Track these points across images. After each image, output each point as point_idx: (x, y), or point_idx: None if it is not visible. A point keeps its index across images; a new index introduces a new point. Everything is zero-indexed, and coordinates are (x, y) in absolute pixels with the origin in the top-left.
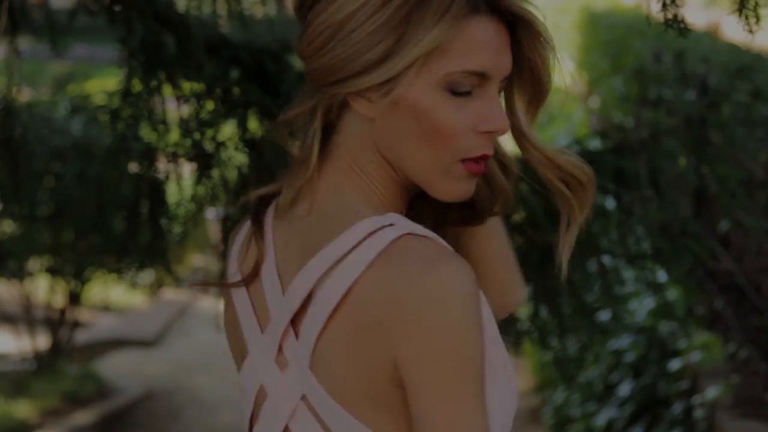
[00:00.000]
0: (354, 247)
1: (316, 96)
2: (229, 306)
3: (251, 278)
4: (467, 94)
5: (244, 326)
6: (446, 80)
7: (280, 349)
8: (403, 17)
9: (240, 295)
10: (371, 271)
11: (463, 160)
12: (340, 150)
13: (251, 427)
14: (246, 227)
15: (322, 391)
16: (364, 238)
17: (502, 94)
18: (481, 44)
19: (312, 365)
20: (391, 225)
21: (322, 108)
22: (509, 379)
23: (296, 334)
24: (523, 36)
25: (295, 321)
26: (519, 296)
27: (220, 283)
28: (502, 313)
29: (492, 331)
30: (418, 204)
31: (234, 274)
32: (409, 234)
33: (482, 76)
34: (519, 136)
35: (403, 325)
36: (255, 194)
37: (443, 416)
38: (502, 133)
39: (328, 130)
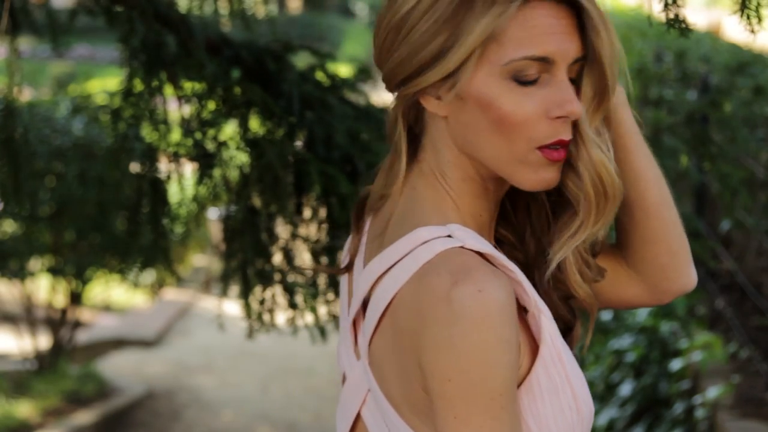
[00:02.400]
0: (406, 255)
1: (395, 101)
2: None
3: (347, 269)
4: (534, 82)
5: (341, 311)
6: (508, 69)
7: (355, 339)
8: (454, 10)
9: (342, 282)
10: (411, 281)
11: (540, 148)
12: (425, 152)
13: None
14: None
15: (377, 388)
16: (416, 247)
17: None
18: (540, 29)
19: (370, 363)
20: (447, 236)
21: (400, 112)
22: (574, 396)
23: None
24: (586, 22)
25: (358, 318)
26: (690, 277)
27: (328, 269)
28: (665, 296)
29: (549, 348)
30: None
31: (342, 261)
32: (461, 247)
33: (546, 61)
34: (574, 127)
35: (426, 337)
36: (365, 190)
37: None
38: (576, 116)
39: (415, 134)
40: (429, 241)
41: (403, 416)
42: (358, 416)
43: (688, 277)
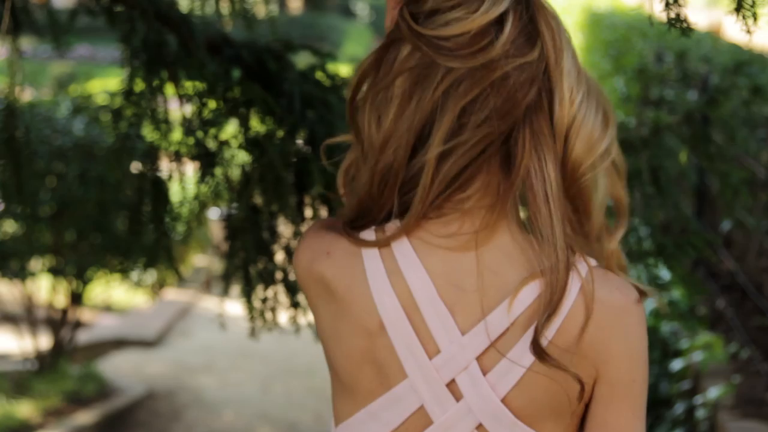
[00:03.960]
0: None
1: None
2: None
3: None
4: None
5: (399, 345)
6: None
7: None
8: None
9: (396, 313)
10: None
11: None
12: None
13: None
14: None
15: (510, 417)
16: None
17: None
18: None
19: (506, 397)
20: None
21: None
22: None
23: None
24: None
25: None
26: None
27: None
28: None
29: None
30: None
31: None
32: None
33: None
34: None
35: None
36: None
37: (637, 427)
38: None
39: None
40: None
41: (539, 429)
42: None
43: None
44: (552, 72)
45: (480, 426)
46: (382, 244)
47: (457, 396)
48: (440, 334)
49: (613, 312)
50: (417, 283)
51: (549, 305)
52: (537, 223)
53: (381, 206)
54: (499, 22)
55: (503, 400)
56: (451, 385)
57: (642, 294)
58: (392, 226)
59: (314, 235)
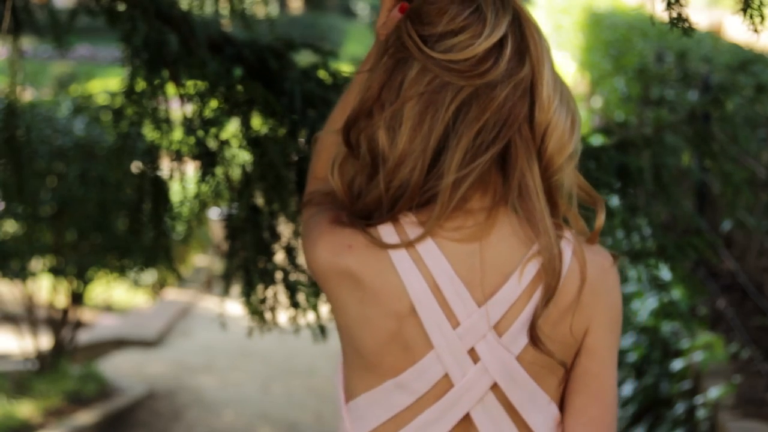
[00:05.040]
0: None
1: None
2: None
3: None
4: None
5: (428, 322)
6: None
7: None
8: None
9: (425, 295)
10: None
11: None
12: None
13: (416, 409)
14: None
15: (523, 374)
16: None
17: None
18: None
19: (519, 356)
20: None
21: None
22: None
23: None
24: None
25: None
26: None
27: None
28: None
29: None
30: None
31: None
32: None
33: None
34: None
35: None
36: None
37: (613, 374)
38: None
39: None
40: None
41: (542, 386)
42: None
43: None
44: (535, 83)
45: (495, 386)
46: (408, 245)
47: (475, 360)
48: (460, 308)
49: (598, 271)
50: (438, 268)
51: (547, 291)
52: (533, 218)
53: (391, 209)
54: (500, 43)
55: (517, 359)
56: (471, 351)
57: (614, 257)
58: (409, 222)
59: (329, 231)
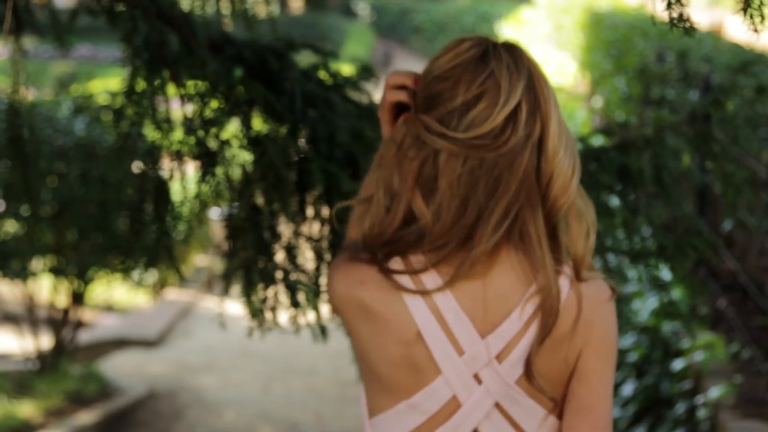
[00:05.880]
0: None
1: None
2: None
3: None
4: None
5: (435, 349)
6: None
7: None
8: None
9: (431, 326)
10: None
11: None
12: None
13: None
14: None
15: (521, 394)
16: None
17: None
18: None
19: (518, 381)
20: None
21: None
22: None
23: (498, 361)
24: None
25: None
26: None
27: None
28: None
29: None
30: None
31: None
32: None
33: None
34: None
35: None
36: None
37: (606, 400)
38: None
39: None
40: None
41: (541, 404)
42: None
43: None
44: (544, 137)
45: (497, 404)
46: (423, 293)
47: (479, 382)
48: (463, 338)
49: (594, 304)
50: (443, 302)
51: (544, 328)
52: (533, 259)
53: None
54: (515, 109)
55: (515, 383)
56: (475, 376)
57: (612, 290)
58: (416, 261)
59: (344, 267)
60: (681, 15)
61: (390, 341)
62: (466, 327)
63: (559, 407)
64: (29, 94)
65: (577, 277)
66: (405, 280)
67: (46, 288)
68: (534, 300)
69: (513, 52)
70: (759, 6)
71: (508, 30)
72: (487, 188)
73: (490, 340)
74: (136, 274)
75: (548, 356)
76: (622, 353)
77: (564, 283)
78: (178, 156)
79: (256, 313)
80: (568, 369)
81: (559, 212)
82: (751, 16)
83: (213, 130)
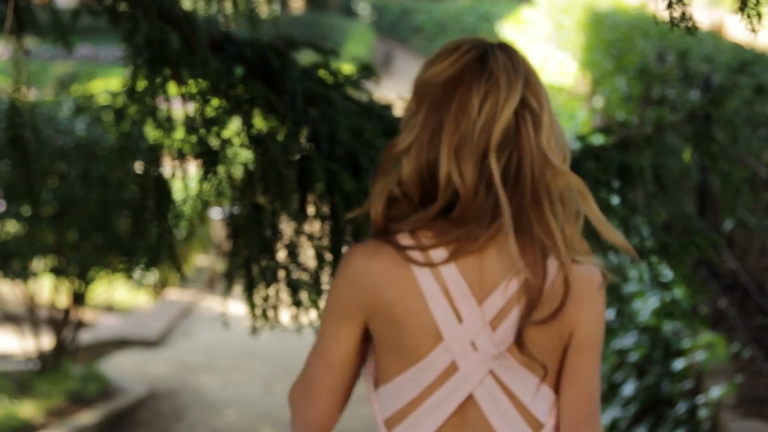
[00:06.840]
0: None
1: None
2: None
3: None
4: None
5: (438, 315)
6: None
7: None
8: None
9: (436, 294)
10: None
11: None
12: None
13: (424, 394)
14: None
15: (513, 362)
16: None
17: None
18: None
19: (510, 348)
20: None
21: None
22: None
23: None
24: None
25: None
26: None
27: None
28: None
29: None
30: None
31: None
32: None
33: None
34: None
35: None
36: None
37: (598, 372)
38: None
39: None
40: None
41: (535, 374)
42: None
43: None
44: (539, 128)
45: (492, 372)
46: (431, 265)
47: (476, 349)
48: (463, 306)
49: (584, 283)
50: (447, 273)
51: (529, 304)
52: (524, 241)
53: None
54: (521, 104)
55: (507, 351)
56: (472, 344)
57: (604, 276)
58: (425, 238)
59: (360, 246)
60: (683, 14)
61: (404, 311)
62: (465, 295)
63: (552, 377)
64: (30, 94)
65: (564, 257)
66: (415, 254)
67: (47, 288)
68: (520, 276)
69: (507, 51)
70: (755, 5)
71: (508, 30)
72: (507, 178)
73: (485, 307)
74: (136, 274)
75: (540, 328)
76: (622, 353)
77: (552, 263)
78: (179, 155)
79: (257, 312)
80: (562, 342)
81: (552, 197)
82: (748, 16)
83: (214, 128)
